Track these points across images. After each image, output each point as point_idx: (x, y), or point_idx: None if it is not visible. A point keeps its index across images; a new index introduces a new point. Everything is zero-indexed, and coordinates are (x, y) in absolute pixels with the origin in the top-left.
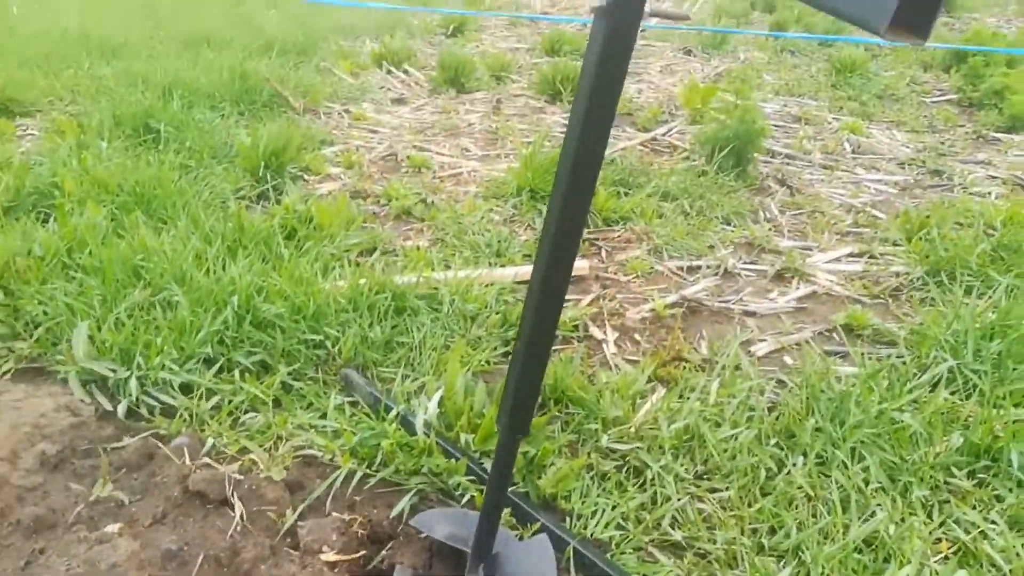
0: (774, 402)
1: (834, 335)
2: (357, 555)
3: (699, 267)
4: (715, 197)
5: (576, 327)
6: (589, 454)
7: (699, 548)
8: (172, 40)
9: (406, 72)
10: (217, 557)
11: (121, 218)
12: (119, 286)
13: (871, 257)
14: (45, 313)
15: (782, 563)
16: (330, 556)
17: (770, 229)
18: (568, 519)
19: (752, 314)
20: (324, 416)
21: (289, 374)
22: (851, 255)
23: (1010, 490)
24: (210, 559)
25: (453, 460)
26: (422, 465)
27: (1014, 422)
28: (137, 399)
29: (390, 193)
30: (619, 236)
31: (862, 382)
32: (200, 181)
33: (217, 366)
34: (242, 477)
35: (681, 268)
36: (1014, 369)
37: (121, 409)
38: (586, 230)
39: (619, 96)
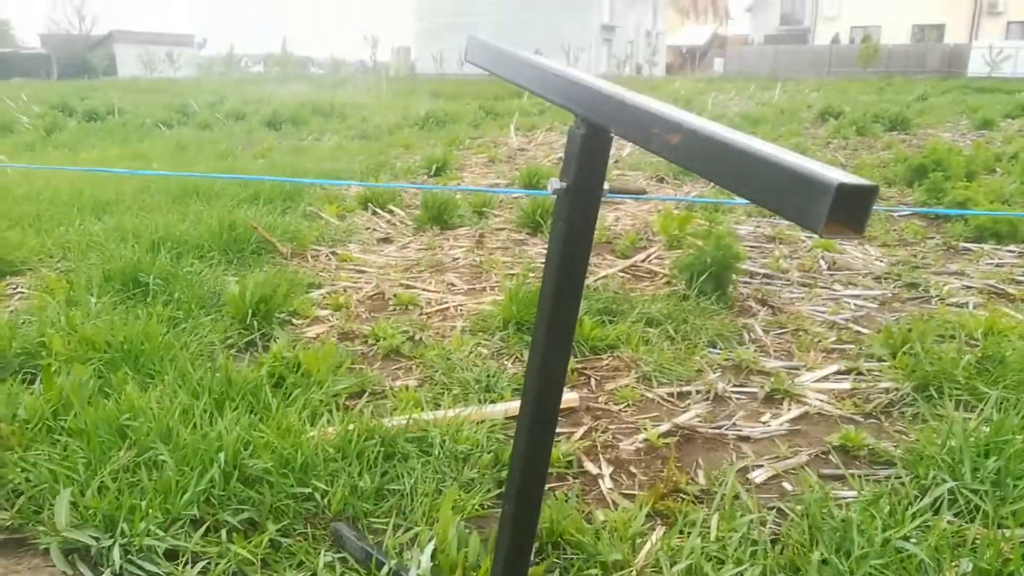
0: (777, 534)
1: (830, 457)
2: None
3: (689, 392)
4: (698, 321)
5: (570, 463)
6: None
7: None
8: (162, 193)
9: (391, 212)
10: None
11: (108, 376)
12: (104, 448)
13: (858, 374)
14: (28, 480)
15: None
16: None
17: (756, 350)
18: None
19: (746, 439)
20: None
21: (278, 531)
22: (839, 373)
23: None
24: None
25: None
26: None
27: (1021, 543)
28: (120, 568)
29: (378, 333)
30: (607, 364)
31: (863, 509)
32: (188, 333)
33: (204, 528)
34: None
35: (671, 394)
36: (1014, 486)
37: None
38: (574, 360)
39: (586, 265)
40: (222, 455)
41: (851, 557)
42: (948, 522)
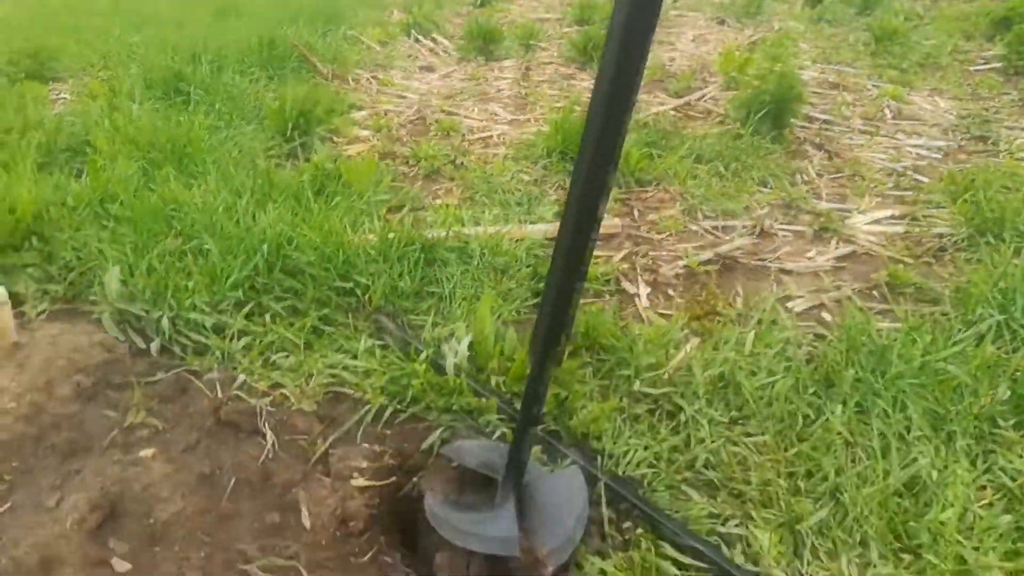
0: (811, 354)
1: (875, 292)
2: (388, 481)
3: (734, 227)
4: (750, 160)
5: (608, 281)
6: (621, 398)
7: (733, 488)
8: (201, 8)
9: (434, 41)
10: (249, 480)
11: (152, 173)
12: (150, 234)
13: (913, 219)
14: (79, 258)
15: (821, 503)
16: (360, 482)
17: (808, 191)
18: (599, 458)
19: (789, 272)
20: (355, 357)
21: (320, 319)
22: (892, 217)
23: None
24: (242, 482)
25: (483, 399)
26: (453, 403)
27: None
28: (170, 338)
29: (419, 154)
30: (652, 196)
31: (904, 335)
32: (229, 140)
33: (247, 309)
34: (273, 409)
35: (715, 227)
36: None
37: (154, 347)
38: (618, 190)
39: (652, 34)
40: (265, 246)
41: (886, 376)
42: (991, 352)
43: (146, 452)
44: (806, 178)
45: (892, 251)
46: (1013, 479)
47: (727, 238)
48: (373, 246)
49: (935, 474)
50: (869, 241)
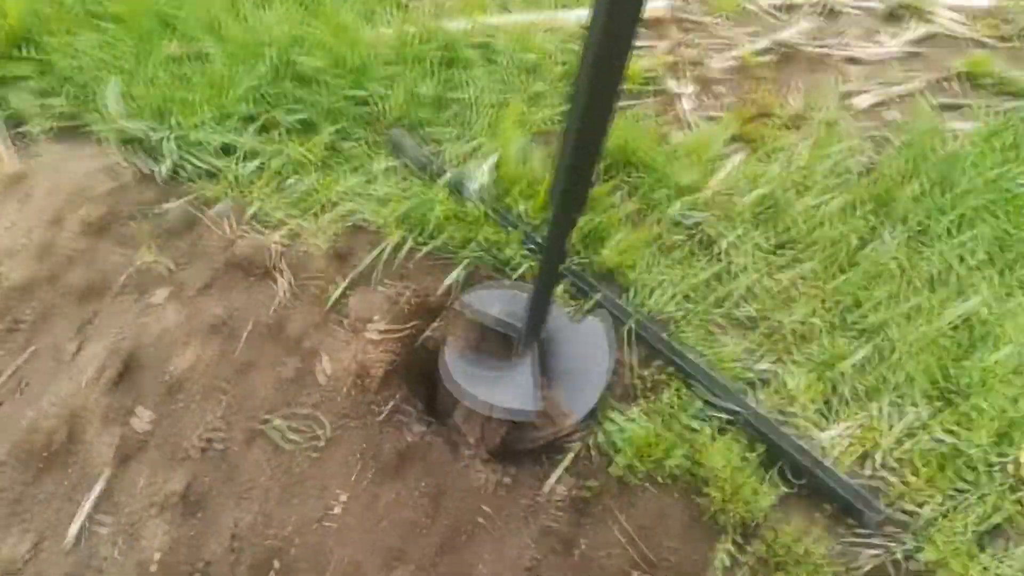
0: (872, 164)
1: (951, 85)
2: (407, 326)
3: (798, 5)
4: None
5: (649, 80)
6: (658, 222)
7: (771, 324)
8: None
9: None
10: (265, 326)
11: None
12: (149, 37)
13: None
14: (78, 68)
15: (863, 339)
16: (380, 326)
17: None
18: (631, 291)
19: (856, 61)
20: (372, 181)
21: (335, 133)
22: None
23: None
24: (258, 328)
25: (507, 230)
26: (475, 235)
27: None
28: (176, 161)
29: None
30: None
31: (982, 140)
32: None
33: (258, 124)
34: (287, 246)
35: (776, 7)
36: None
37: (161, 172)
38: None
39: None
40: (272, 50)
41: (952, 191)
42: None
43: (159, 295)
44: None
45: (976, 32)
46: None
47: (788, 20)
48: (389, 44)
49: (991, 307)
50: (951, 20)
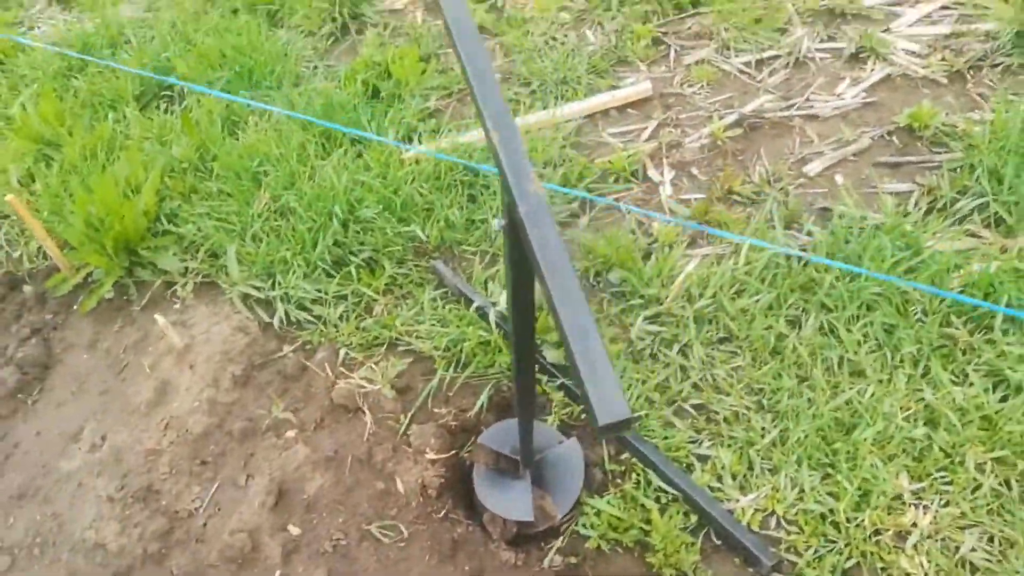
0: (805, 246)
1: (893, 139)
2: (450, 453)
3: (772, 58)
4: None
5: (635, 172)
6: (628, 328)
7: (709, 412)
8: None
9: None
10: (359, 458)
11: (231, 102)
12: (246, 195)
13: (964, 16)
14: (203, 236)
15: (775, 422)
16: (431, 455)
17: None
18: None
19: (816, 118)
20: (420, 313)
21: (395, 263)
22: (943, 8)
23: (998, 338)
24: (356, 457)
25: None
26: (494, 360)
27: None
28: (285, 313)
29: None
30: (690, 30)
31: (893, 211)
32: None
33: (340, 273)
34: (365, 387)
35: (749, 64)
36: None
37: (276, 322)
38: (657, 22)
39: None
40: (337, 203)
41: (858, 278)
42: (969, 232)
43: (290, 434)
44: None
45: (928, 67)
46: (936, 389)
47: (760, 78)
48: (424, 176)
49: (873, 391)
50: (906, 58)
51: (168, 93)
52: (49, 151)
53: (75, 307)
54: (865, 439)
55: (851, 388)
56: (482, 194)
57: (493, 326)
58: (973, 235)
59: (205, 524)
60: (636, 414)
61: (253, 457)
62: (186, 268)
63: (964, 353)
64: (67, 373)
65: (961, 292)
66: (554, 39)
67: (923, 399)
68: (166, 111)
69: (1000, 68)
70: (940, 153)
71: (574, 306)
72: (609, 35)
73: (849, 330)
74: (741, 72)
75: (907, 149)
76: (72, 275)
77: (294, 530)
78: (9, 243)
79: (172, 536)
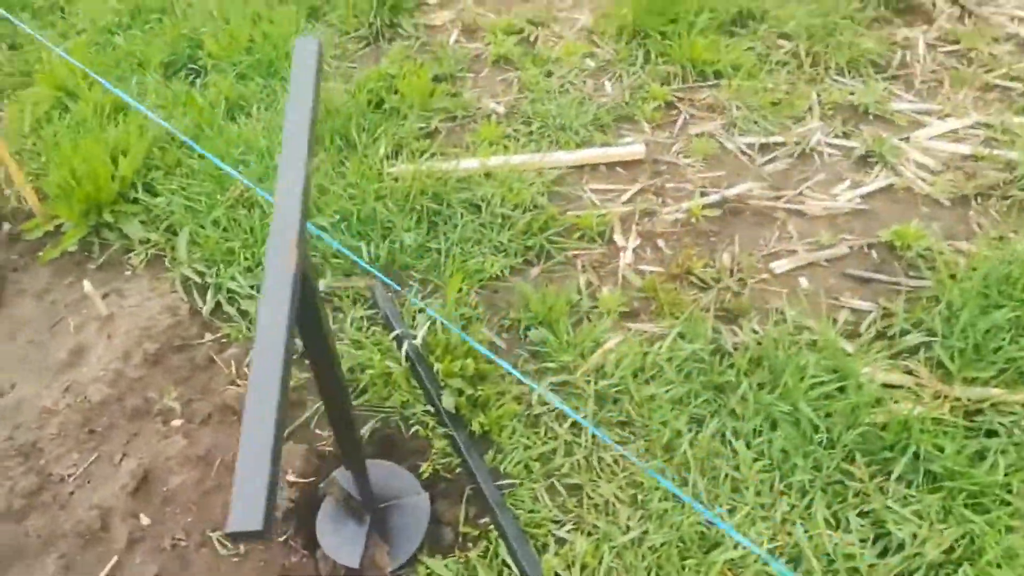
0: (738, 346)
1: (872, 253)
2: (310, 480)
3: (777, 145)
4: (846, 36)
5: (602, 233)
6: (529, 396)
7: (582, 495)
8: None
9: None
10: (227, 463)
11: (246, 83)
12: (221, 182)
13: (992, 138)
14: (169, 212)
15: (643, 520)
16: (292, 477)
17: (896, 83)
18: (491, 453)
19: (802, 214)
20: (343, 330)
21: (342, 275)
22: (972, 126)
23: (893, 488)
24: (224, 464)
25: (415, 391)
26: (389, 396)
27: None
28: (216, 303)
29: (497, 28)
30: (703, 100)
31: (823, 346)
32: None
33: None
34: None
35: (752, 146)
36: (996, 350)
37: (205, 310)
38: (675, 86)
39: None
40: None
41: (775, 391)
42: (906, 370)
43: (175, 424)
44: (904, 60)
45: (933, 187)
46: (811, 527)
47: (762, 161)
48: (397, 192)
49: (745, 511)
50: (917, 170)
51: (194, 66)
52: (68, 101)
53: (39, 255)
54: (720, 563)
55: (726, 505)
56: (444, 223)
57: (403, 359)
58: (910, 372)
59: (72, 493)
60: (265, 530)
61: (136, 438)
62: (148, 239)
63: (856, 495)
64: (9, 316)
65: (871, 429)
66: (572, 84)
67: (792, 535)
68: (190, 83)
69: (1009, 201)
70: (913, 278)
71: (263, 401)
72: (625, 90)
73: (748, 444)
74: (742, 152)
75: (882, 266)
76: (45, 223)
77: (144, 519)
78: (5, 181)
79: (39, 497)
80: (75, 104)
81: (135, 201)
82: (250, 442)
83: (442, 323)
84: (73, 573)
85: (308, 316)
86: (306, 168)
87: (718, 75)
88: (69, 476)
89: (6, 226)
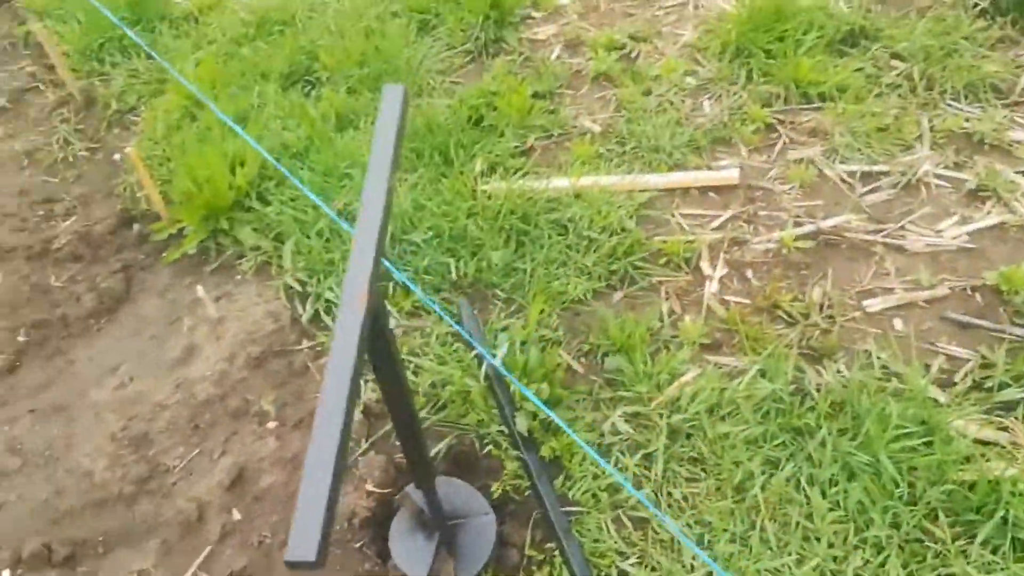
0: (820, 386)
1: (976, 296)
2: (387, 491)
3: (881, 174)
4: (965, 58)
5: (688, 260)
6: (606, 418)
7: (651, 528)
8: None
9: None
10: None
11: (357, 97)
12: (326, 192)
13: None
14: (278, 221)
15: (710, 557)
16: (370, 486)
17: (1012, 111)
18: (562, 478)
19: (901, 250)
20: (427, 344)
21: (432, 290)
22: None
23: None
24: None
25: (492, 412)
26: (468, 413)
27: None
28: (315, 312)
29: (599, 43)
30: (805, 124)
31: (910, 396)
32: (427, 49)
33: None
34: None
35: (853, 175)
36: None
37: (305, 318)
38: (776, 107)
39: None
40: (395, 223)
41: (856, 439)
42: (1001, 427)
43: (270, 426)
44: None
45: None
46: None
47: (859, 192)
48: (488, 210)
49: (813, 563)
50: None
51: (310, 79)
52: (196, 110)
53: (163, 255)
54: None
55: (795, 554)
56: (531, 243)
57: (481, 378)
58: (1005, 429)
59: (175, 483)
60: (319, 562)
61: (234, 436)
62: (258, 246)
63: (936, 556)
64: (134, 312)
65: (957, 488)
66: (670, 103)
67: None
68: (305, 94)
69: None
70: (1018, 326)
71: (326, 440)
72: (724, 111)
73: (823, 492)
74: (842, 181)
75: (985, 311)
76: (170, 226)
77: (236, 515)
78: (137, 185)
79: (147, 484)
80: (201, 113)
81: (249, 209)
82: (311, 480)
83: (521, 345)
84: (171, 558)
85: (379, 348)
86: (384, 217)
87: (822, 97)
88: (174, 467)
89: (136, 227)
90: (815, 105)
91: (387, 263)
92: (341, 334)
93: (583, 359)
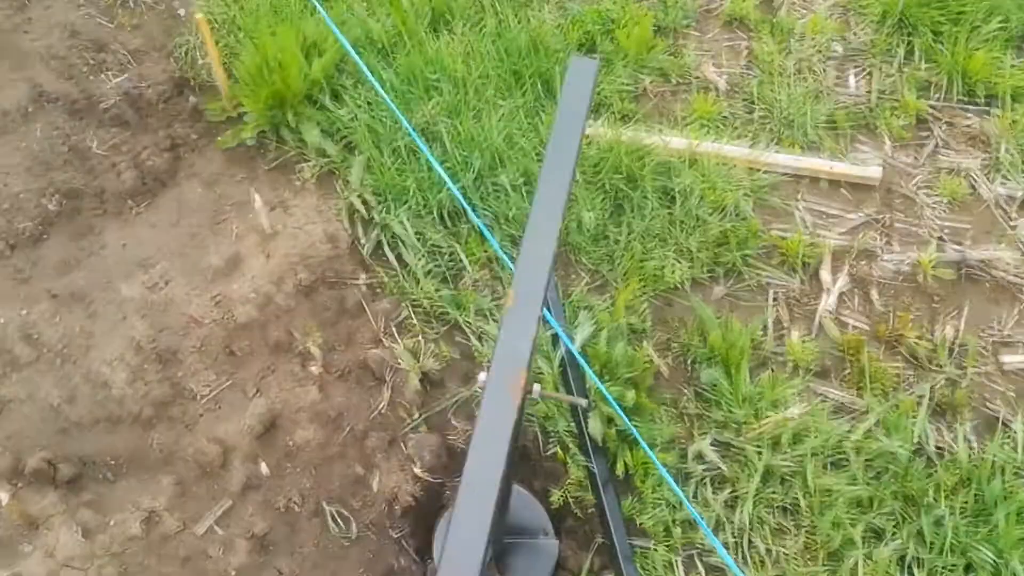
0: (943, 451)
1: None
2: (437, 480)
3: None
4: None
5: (807, 265)
6: (693, 439)
7: None
8: None
9: None
10: (356, 432)
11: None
12: (408, 105)
13: None
14: (350, 128)
15: None
16: (418, 470)
17: None
18: (631, 498)
19: None
20: (495, 310)
21: (508, 240)
22: None
23: None
24: (354, 430)
25: (561, 407)
26: (535, 405)
27: None
28: (377, 243)
29: None
30: (967, 127)
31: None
32: None
33: (450, 226)
34: (401, 365)
35: (1012, 199)
36: None
37: (366, 250)
38: (934, 98)
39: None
40: (478, 161)
41: (978, 526)
42: None
43: (312, 370)
44: None
45: None
46: None
47: (1019, 221)
48: (590, 160)
49: None
50: None
51: None
52: None
53: (219, 139)
54: None
55: None
56: (631, 209)
57: (555, 362)
58: None
59: (201, 415)
60: None
61: (272, 374)
62: (324, 150)
63: None
64: (177, 198)
65: None
66: (811, 70)
67: None
68: None
69: None
70: None
71: (476, 517)
72: (872, 92)
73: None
74: (998, 205)
75: None
76: (230, 108)
77: (264, 468)
78: (200, 50)
79: (169, 409)
80: None
81: (320, 106)
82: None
83: (603, 332)
84: (185, 502)
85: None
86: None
87: (991, 99)
88: (201, 396)
89: (192, 99)
90: (981, 107)
91: (465, 203)
92: (488, 410)
93: (671, 359)
